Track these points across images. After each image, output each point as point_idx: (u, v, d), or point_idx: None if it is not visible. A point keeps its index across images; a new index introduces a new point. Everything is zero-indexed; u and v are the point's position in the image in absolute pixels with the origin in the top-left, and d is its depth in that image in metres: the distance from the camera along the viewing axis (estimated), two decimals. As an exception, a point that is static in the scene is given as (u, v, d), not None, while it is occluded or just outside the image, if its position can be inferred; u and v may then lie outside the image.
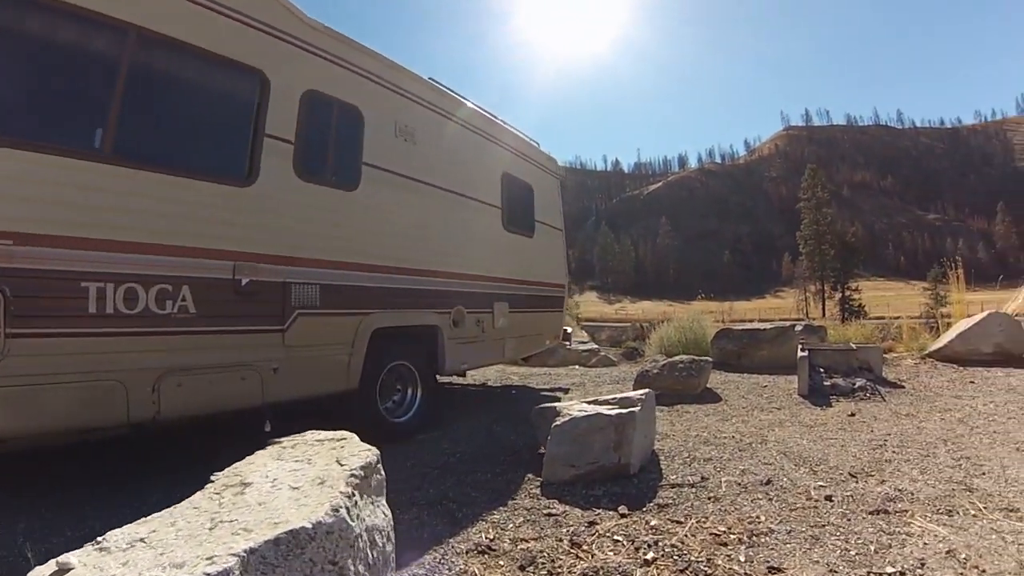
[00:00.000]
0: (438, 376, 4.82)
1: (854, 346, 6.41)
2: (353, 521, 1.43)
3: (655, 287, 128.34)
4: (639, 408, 3.22)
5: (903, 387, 5.59)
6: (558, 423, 3.15)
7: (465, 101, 5.18)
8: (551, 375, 7.74)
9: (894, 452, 3.47)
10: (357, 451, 1.80)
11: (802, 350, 5.87)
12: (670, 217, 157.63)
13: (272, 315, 3.28)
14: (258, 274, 3.17)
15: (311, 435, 2.04)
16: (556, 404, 3.52)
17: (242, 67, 3.20)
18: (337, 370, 3.69)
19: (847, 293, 55.95)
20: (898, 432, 3.95)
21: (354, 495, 1.51)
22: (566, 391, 6.44)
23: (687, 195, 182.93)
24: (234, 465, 1.75)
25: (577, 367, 8.58)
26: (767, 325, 7.93)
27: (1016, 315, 7.17)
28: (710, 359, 5.99)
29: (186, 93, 3.07)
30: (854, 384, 5.48)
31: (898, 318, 11.70)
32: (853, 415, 4.55)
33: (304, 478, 1.57)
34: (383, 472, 1.81)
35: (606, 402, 3.41)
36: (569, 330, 7.59)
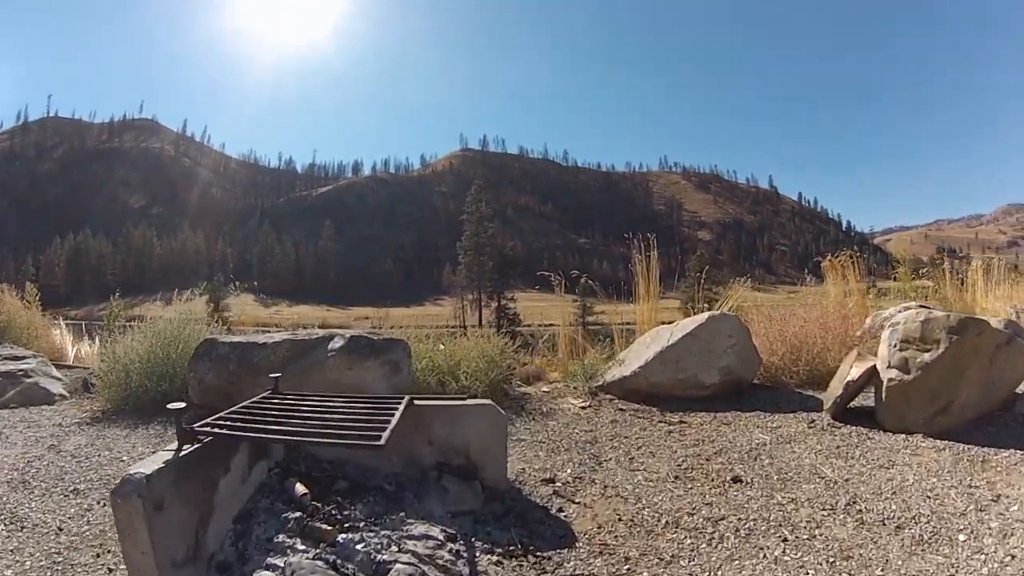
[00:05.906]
0: None
1: (420, 404, 2.43)
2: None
3: (314, 290, 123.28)
4: None
5: (574, 543, 1.75)
6: None
7: None
8: None
9: None
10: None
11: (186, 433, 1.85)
12: (336, 221, 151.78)
13: None
14: None
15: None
16: None
17: None
18: None
19: (503, 302, 59.20)
20: None
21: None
22: None
23: (356, 201, 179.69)
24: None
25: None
26: (279, 336, 3.66)
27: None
28: None
29: None
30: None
31: (552, 325, 9.05)
32: None
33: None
34: None
35: None
36: None
